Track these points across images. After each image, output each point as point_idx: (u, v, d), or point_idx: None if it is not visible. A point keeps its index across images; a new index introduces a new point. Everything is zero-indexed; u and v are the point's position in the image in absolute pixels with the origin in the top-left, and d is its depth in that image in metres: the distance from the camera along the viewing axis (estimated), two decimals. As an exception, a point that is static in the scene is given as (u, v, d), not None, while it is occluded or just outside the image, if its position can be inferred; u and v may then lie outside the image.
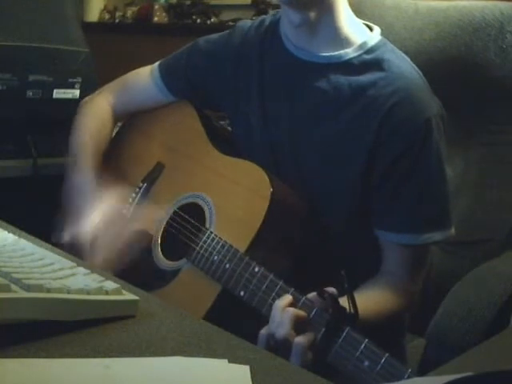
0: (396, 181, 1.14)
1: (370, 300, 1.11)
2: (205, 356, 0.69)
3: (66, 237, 1.19)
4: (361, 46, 1.18)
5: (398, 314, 1.21)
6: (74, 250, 1.13)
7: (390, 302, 1.15)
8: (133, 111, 1.44)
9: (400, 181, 1.14)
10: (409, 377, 0.86)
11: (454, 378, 0.53)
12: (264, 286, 1.04)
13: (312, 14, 1.15)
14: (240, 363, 0.67)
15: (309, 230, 1.17)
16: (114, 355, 0.67)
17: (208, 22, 3.69)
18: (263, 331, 0.99)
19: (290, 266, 1.14)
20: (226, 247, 1.11)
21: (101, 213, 1.22)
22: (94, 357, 0.66)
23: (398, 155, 1.13)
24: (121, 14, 4.10)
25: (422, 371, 1.12)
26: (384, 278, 1.17)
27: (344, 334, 0.92)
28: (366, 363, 0.89)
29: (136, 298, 0.79)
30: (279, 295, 1.01)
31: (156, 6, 3.86)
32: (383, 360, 0.87)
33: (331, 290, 0.95)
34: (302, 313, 0.97)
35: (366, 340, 0.90)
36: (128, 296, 0.79)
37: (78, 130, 1.37)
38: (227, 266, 1.10)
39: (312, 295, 0.99)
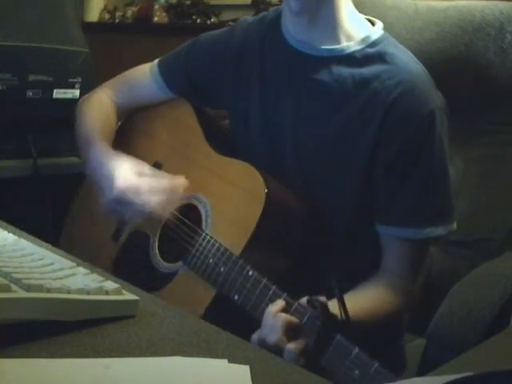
0: (399, 174, 1.14)
1: (367, 300, 1.10)
2: (205, 356, 0.69)
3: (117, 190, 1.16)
4: (363, 40, 1.19)
5: (397, 314, 1.21)
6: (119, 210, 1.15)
7: (387, 301, 1.14)
8: (132, 108, 1.43)
9: (403, 174, 1.14)
10: None
11: (454, 377, 0.53)
12: (257, 291, 1.04)
13: (311, 1, 1.15)
14: (240, 363, 0.67)
15: (307, 231, 1.17)
16: (114, 355, 0.67)
17: (208, 22, 3.68)
18: (255, 336, 0.98)
19: (286, 268, 1.14)
20: (220, 250, 1.11)
21: (134, 168, 1.20)
22: (94, 357, 0.66)
23: (401, 148, 1.13)
24: (121, 14, 4.09)
25: (422, 371, 1.12)
26: (383, 276, 1.16)
27: (335, 341, 0.91)
28: (357, 371, 0.88)
29: (136, 298, 0.79)
30: (272, 300, 1.01)
31: (156, 6, 3.86)
32: (373, 369, 0.87)
33: (322, 298, 0.95)
34: (293, 319, 0.96)
35: (357, 348, 0.89)
36: (128, 296, 0.79)
37: (84, 119, 1.35)
38: (222, 269, 1.09)
39: (304, 301, 0.98)
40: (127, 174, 1.18)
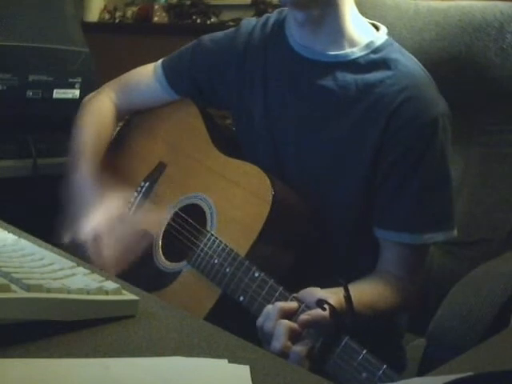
0: (398, 179, 1.14)
1: (364, 293, 1.09)
2: (205, 356, 0.69)
3: (68, 237, 1.18)
4: (367, 46, 1.18)
5: (395, 311, 1.20)
6: (77, 251, 1.12)
7: (385, 296, 1.13)
8: (135, 109, 1.43)
9: (402, 179, 1.14)
10: None
11: (454, 378, 0.53)
12: (263, 292, 1.03)
13: (316, 13, 1.15)
14: (240, 363, 0.67)
15: (310, 233, 1.17)
16: (114, 355, 0.67)
17: (208, 21, 3.69)
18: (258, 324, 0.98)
19: (291, 269, 1.14)
20: (226, 250, 1.11)
21: (102, 213, 1.20)
22: (94, 357, 0.66)
23: (402, 153, 1.13)
24: (121, 14, 4.09)
25: (422, 371, 1.12)
26: (381, 275, 1.16)
27: (342, 343, 0.91)
28: (364, 374, 0.87)
29: (136, 298, 0.79)
30: (278, 301, 1.00)
31: (156, 6, 3.86)
32: (381, 372, 0.86)
33: (330, 299, 0.94)
34: (295, 325, 0.95)
35: (365, 351, 0.89)
36: (128, 296, 0.79)
37: (79, 130, 1.36)
38: (227, 269, 1.09)
39: (305, 294, 0.98)
40: (98, 217, 1.18)
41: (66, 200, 1.25)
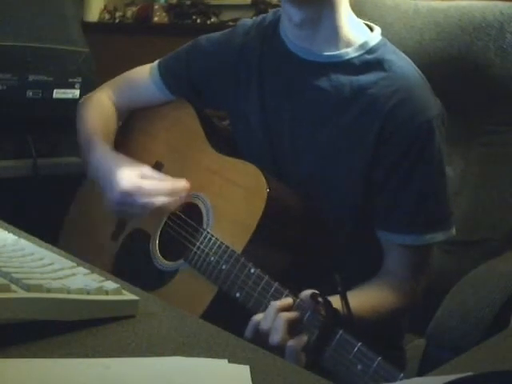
0: (397, 181, 1.14)
1: (369, 297, 1.10)
2: (205, 356, 0.69)
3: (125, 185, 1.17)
4: (362, 46, 1.18)
5: (399, 314, 1.21)
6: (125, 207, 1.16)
7: (389, 300, 1.14)
8: (132, 109, 1.43)
9: (401, 181, 1.14)
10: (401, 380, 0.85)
11: (454, 377, 0.53)
12: (259, 288, 1.04)
13: (312, 12, 1.15)
14: (240, 363, 0.67)
15: (307, 231, 1.17)
16: (114, 355, 0.67)
17: (208, 22, 3.69)
18: (254, 320, 0.99)
19: (287, 266, 1.14)
20: (222, 248, 1.11)
21: (137, 168, 1.21)
22: (94, 357, 0.66)
23: (399, 155, 1.13)
24: (121, 14, 4.10)
25: (422, 371, 1.12)
26: (385, 278, 1.16)
27: (337, 336, 0.91)
28: (359, 366, 0.88)
29: (136, 298, 0.79)
30: (274, 297, 1.01)
31: (156, 6, 3.87)
32: (376, 363, 0.87)
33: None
34: (294, 315, 0.96)
35: (360, 343, 0.89)
36: (128, 296, 0.79)
37: (85, 119, 1.36)
38: (223, 267, 1.10)
39: (305, 295, 0.98)
40: (129, 175, 1.19)
41: (95, 175, 1.26)
